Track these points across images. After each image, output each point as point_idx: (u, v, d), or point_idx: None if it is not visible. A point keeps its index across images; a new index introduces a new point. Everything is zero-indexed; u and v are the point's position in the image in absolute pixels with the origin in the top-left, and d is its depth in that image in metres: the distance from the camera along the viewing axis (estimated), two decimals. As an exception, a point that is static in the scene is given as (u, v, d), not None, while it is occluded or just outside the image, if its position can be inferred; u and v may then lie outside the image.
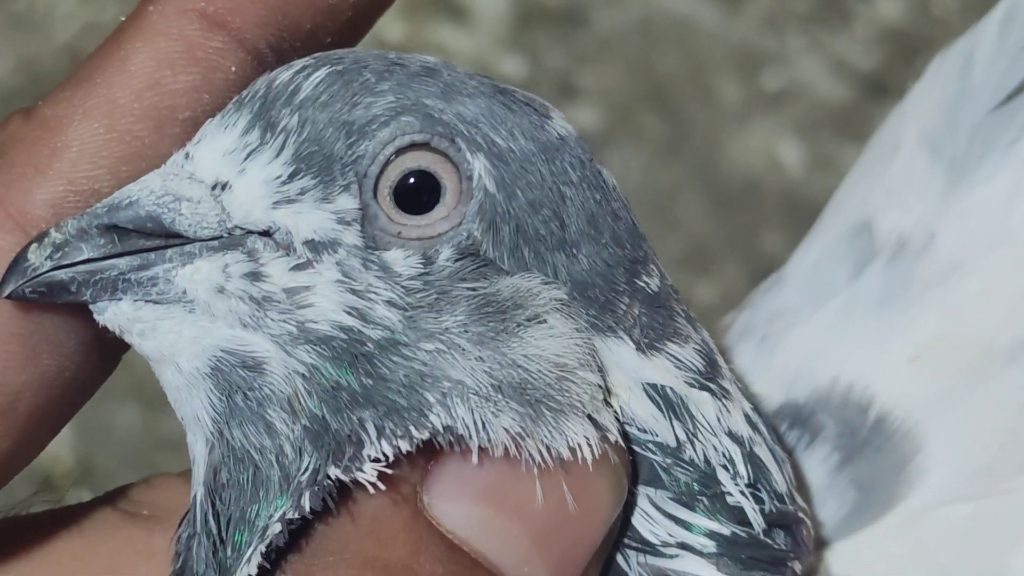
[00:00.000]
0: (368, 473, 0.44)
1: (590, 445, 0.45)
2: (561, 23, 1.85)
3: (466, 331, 0.45)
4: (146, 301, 0.46)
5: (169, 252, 0.46)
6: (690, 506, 0.47)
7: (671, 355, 0.48)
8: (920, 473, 0.53)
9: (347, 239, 0.45)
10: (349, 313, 0.45)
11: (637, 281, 0.48)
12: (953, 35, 0.58)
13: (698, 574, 0.47)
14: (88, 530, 0.52)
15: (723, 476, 0.48)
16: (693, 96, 1.81)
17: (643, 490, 0.47)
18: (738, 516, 0.48)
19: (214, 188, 0.46)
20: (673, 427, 0.47)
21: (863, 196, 0.58)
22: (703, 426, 0.48)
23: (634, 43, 1.84)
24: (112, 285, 0.46)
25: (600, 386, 0.46)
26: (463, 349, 0.45)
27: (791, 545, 0.49)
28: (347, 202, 0.45)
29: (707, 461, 0.47)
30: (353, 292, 0.45)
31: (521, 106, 0.47)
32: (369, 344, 0.45)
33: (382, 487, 0.44)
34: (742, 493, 0.48)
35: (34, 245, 0.45)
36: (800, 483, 0.53)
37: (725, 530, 0.47)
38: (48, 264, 0.45)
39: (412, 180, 0.46)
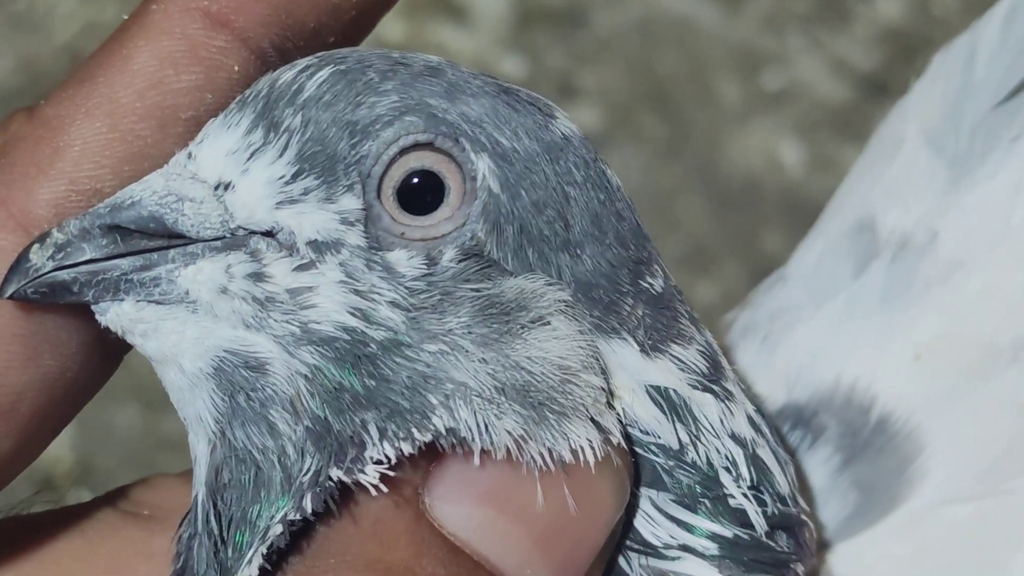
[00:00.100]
0: (370, 475, 0.44)
1: (592, 447, 0.45)
2: (561, 23, 1.85)
3: (470, 332, 0.45)
4: (148, 302, 0.46)
5: (172, 252, 0.45)
6: (692, 508, 0.47)
7: (675, 357, 0.48)
8: (922, 474, 0.53)
9: (350, 239, 0.45)
10: (352, 314, 0.45)
11: (641, 282, 0.48)
12: (953, 35, 0.58)
13: None
14: (88, 530, 0.52)
15: (725, 478, 0.48)
16: (693, 96, 1.81)
17: (645, 492, 0.47)
18: (740, 518, 0.48)
19: (217, 188, 0.46)
20: (676, 429, 0.47)
21: (865, 194, 0.58)
22: (706, 428, 0.48)
23: (634, 43, 1.84)
24: (114, 286, 0.45)
25: (603, 389, 0.46)
26: (466, 351, 0.44)
27: (793, 547, 0.49)
28: (350, 202, 0.45)
29: (710, 463, 0.47)
30: (356, 293, 0.45)
31: (525, 106, 0.47)
32: (372, 345, 0.45)
33: (384, 489, 0.44)
34: (744, 495, 0.48)
35: (36, 245, 0.45)
36: (802, 484, 0.53)
37: (727, 532, 0.47)
38: (50, 264, 0.45)
39: (416, 180, 0.46)
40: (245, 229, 0.46)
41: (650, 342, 0.47)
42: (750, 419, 0.49)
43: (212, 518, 0.46)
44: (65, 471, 1.41)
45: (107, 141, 0.47)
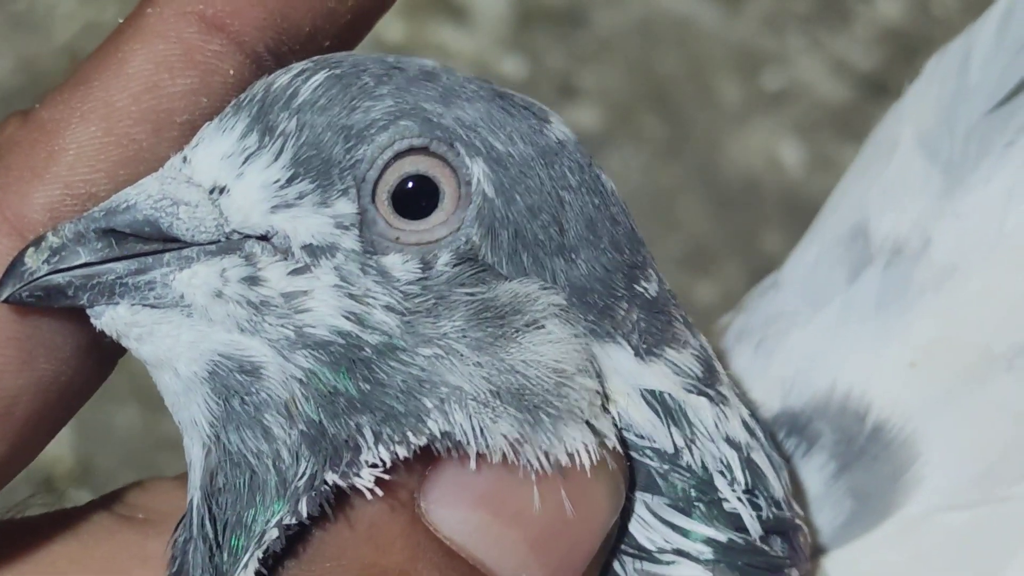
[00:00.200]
0: (365, 479, 0.44)
1: (588, 451, 0.45)
2: (561, 23, 1.85)
3: (464, 336, 0.45)
4: (143, 305, 0.46)
5: (167, 256, 0.45)
6: (687, 512, 0.47)
7: (669, 361, 0.48)
8: (917, 481, 0.53)
9: (345, 244, 0.45)
10: (347, 318, 0.45)
11: (636, 286, 0.48)
12: (953, 35, 0.58)
13: None
14: (84, 534, 0.52)
15: (720, 482, 0.48)
16: (693, 96, 1.81)
17: (640, 496, 0.47)
18: (735, 522, 0.48)
19: (212, 192, 0.46)
20: (671, 433, 0.47)
21: (859, 198, 0.58)
22: (701, 432, 0.48)
23: (634, 43, 1.84)
24: (109, 289, 0.45)
25: (598, 392, 0.46)
26: (461, 355, 0.44)
27: (788, 552, 0.49)
28: (345, 206, 0.45)
29: (704, 467, 0.47)
30: (351, 297, 0.45)
31: (520, 110, 0.47)
32: (367, 349, 0.45)
33: (380, 493, 0.44)
34: (739, 499, 0.48)
35: (31, 249, 0.45)
36: (797, 490, 0.53)
37: (722, 536, 0.47)
38: (45, 268, 0.45)
39: (411, 184, 0.46)
40: (240, 233, 0.46)
41: (645, 346, 0.47)
42: (744, 423, 0.49)
43: (207, 522, 0.46)
44: (65, 471, 1.41)
45: (102, 145, 0.47)
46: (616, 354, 0.47)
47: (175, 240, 0.45)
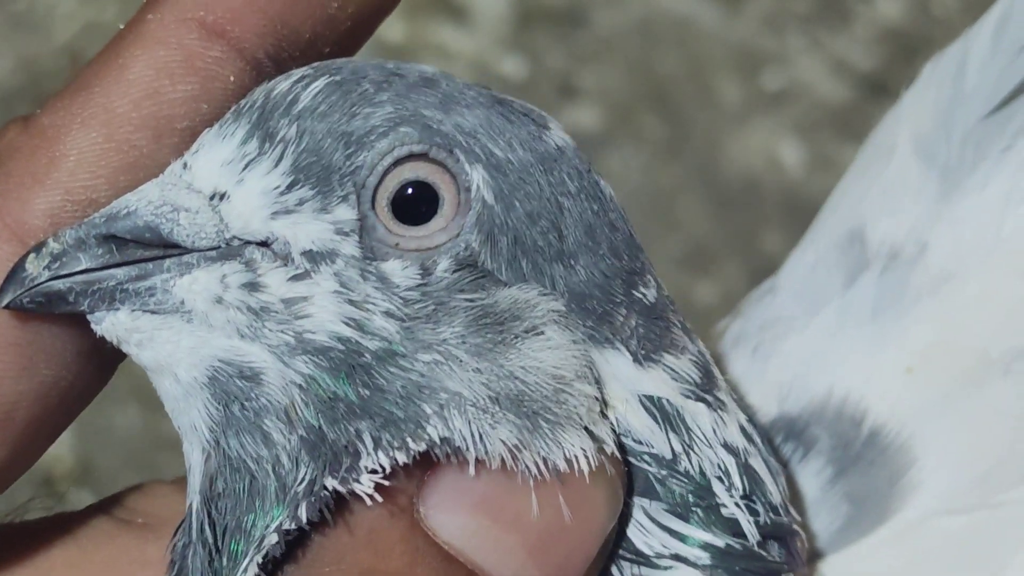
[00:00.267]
0: (365, 484, 0.44)
1: (587, 457, 0.45)
2: (561, 23, 1.85)
3: (464, 342, 0.45)
4: (144, 311, 0.46)
5: (167, 262, 0.46)
6: (685, 517, 0.47)
7: (668, 366, 0.48)
8: (913, 487, 0.53)
9: (345, 250, 0.45)
10: (347, 324, 0.45)
11: (634, 292, 0.48)
12: (953, 35, 0.58)
13: None
14: (83, 538, 0.52)
15: (718, 488, 0.48)
16: (693, 96, 1.81)
17: (638, 501, 0.47)
18: (732, 528, 0.48)
19: (212, 198, 0.46)
20: (669, 439, 0.47)
21: (856, 202, 0.58)
22: (699, 438, 0.48)
23: (634, 43, 1.84)
24: (110, 295, 0.45)
25: (597, 398, 0.46)
26: (460, 360, 0.45)
27: (785, 557, 0.49)
28: (345, 213, 0.45)
29: (702, 472, 0.48)
30: (351, 303, 0.45)
31: (519, 116, 0.47)
32: (366, 355, 0.45)
33: (379, 498, 0.45)
34: (737, 505, 0.48)
35: (32, 255, 0.45)
36: (794, 495, 0.53)
37: (719, 542, 0.47)
38: (46, 274, 0.45)
39: (410, 191, 0.46)
40: (240, 239, 0.46)
41: (643, 352, 0.48)
42: (742, 429, 0.49)
43: (207, 527, 0.46)
44: (65, 471, 1.41)
45: (103, 151, 0.47)
46: (615, 360, 0.47)
47: (176, 246, 0.46)
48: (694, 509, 0.47)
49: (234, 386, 0.45)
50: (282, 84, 0.47)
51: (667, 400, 0.47)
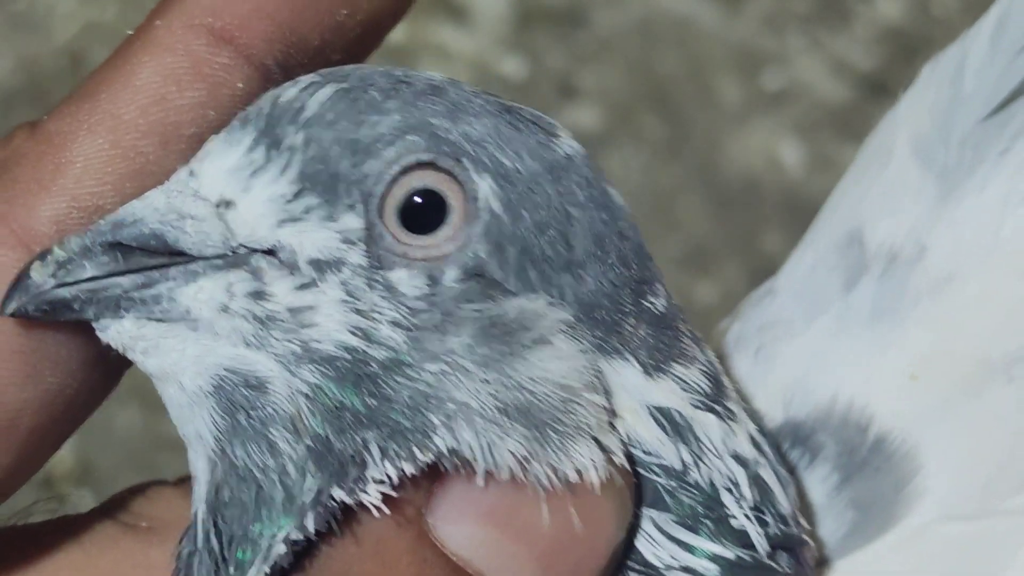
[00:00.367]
0: (372, 495, 0.44)
1: (596, 468, 0.45)
2: (561, 23, 1.85)
3: (471, 353, 0.44)
4: (149, 319, 0.45)
5: (173, 270, 0.45)
6: (694, 529, 0.47)
7: (677, 377, 0.48)
8: (920, 494, 0.53)
9: (352, 258, 0.45)
10: (353, 333, 0.45)
11: (643, 302, 0.48)
12: (953, 35, 0.57)
13: None
14: (87, 542, 0.51)
15: (727, 499, 0.47)
16: (693, 96, 1.81)
17: (647, 512, 0.47)
18: (742, 539, 0.47)
19: (219, 206, 0.45)
20: (679, 450, 0.47)
21: (855, 204, 0.57)
22: (709, 449, 0.47)
23: (634, 43, 1.84)
24: (115, 303, 0.45)
25: (606, 408, 0.46)
26: (468, 371, 0.44)
27: (794, 567, 0.49)
28: (352, 221, 0.45)
29: (712, 484, 0.47)
30: (357, 312, 0.45)
31: (528, 124, 0.47)
32: (373, 364, 0.44)
33: (387, 511, 0.44)
34: (746, 516, 0.48)
35: (37, 263, 0.45)
36: (803, 502, 0.53)
37: (729, 553, 0.47)
38: (51, 282, 0.45)
39: (418, 199, 0.45)
40: (246, 247, 0.45)
41: (652, 362, 0.47)
42: (752, 438, 0.49)
43: (212, 536, 0.46)
44: (65, 471, 1.41)
45: (109, 158, 0.46)
46: (623, 370, 0.47)
47: (181, 254, 0.45)
48: (703, 521, 0.47)
49: (240, 395, 0.45)
50: (289, 91, 0.46)
51: (677, 411, 0.47)
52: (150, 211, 0.45)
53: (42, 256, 0.45)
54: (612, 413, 0.46)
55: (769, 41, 1.87)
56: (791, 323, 0.56)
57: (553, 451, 0.45)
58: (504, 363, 0.45)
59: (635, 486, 0.47)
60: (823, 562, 0.53)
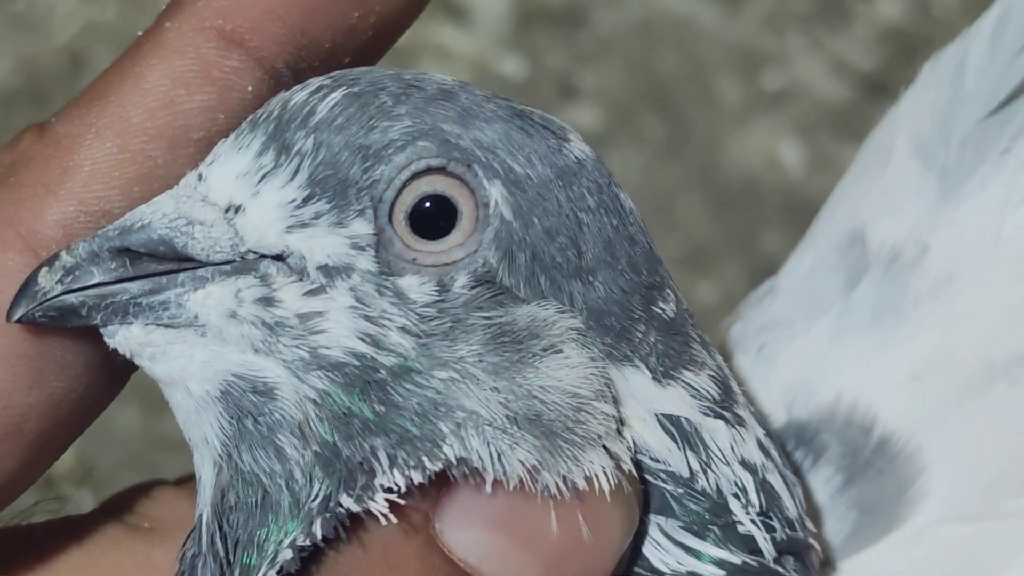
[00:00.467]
0: (380, 503, 0.44)
1: (606, 475, 0.45)
2: (561, 23, 1.85)
3: (481, 360, 0.44)
4: (157, 325, 0.45)
5: (181, 276, 0.45)
6: (701, 535, 0.47)
7: (686, 383, 0.48)
8: (923, 495, 0.53)
9: (361, 264, 0.45)
10: (362, 339, 0.44)
11: (653, 307, 0.47)
12: (953, 35, 0.57)
13: None
14: (89, 543, 0.51)
15: (735, 505, 0.47)
16: (693, 96, 1.81)
17: (654, 519, 0.47)
18: (749, 545, 0.47)
19: (227, 211, 0.45)
20: (687, 457, 0.47)
21: (856, 204, 0.57)
22: (716, 456, 0.47)
23: (634, 43, 1.84)
24: (123, 309, 0.45)
25: (615, 417, 0.46)
26: (477, 379, 0.44)
27: (800, 571, 0.49)
28: (362, 227, 0.45)
29: (719, 491, 0.47)
30: (366, 318, 0.44)
31: (539, 129, 0.47)
32: (382, 371, 0.44)
33: (394, 519, 0.44)
34: (753, 522, 0.48)
35: (44, 268, 0.45)
36: (809, 504, 0.53)
37: (736, 559, 0.47)
38: (59, 288, 0.44)
39: (428, 205, 0.45)
40: (255, 253, 0.45)
41: (662, 369, 0.47)
42: (760, 444, 0.49)
43: (218, 540, 0.46)
44: (66, 471, 1.40)
45: (117, 161, 0.46)
46: (633, 378, 0.47)
47: (190, 260, 0.45)
48: (710, 527, 0.47)
49: (247, 401, 0.45)
50: (299, 95, 0.46)
51: (685, 419, 0.47)
52: (158, 216, 0.45)
53: (49, 262, 0.45)
54: (620, 421, 0.46)
55: (769, 41, 1.87)
56: (792, 323, 0.56)
57: (563, 460, 0.44)
58: (514, 371, 0.44)
59: (642, 492, 0.47)
60: (826, 563, 0.53)
